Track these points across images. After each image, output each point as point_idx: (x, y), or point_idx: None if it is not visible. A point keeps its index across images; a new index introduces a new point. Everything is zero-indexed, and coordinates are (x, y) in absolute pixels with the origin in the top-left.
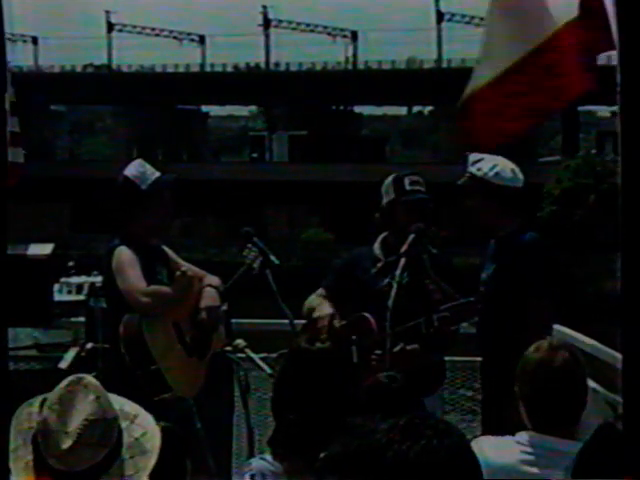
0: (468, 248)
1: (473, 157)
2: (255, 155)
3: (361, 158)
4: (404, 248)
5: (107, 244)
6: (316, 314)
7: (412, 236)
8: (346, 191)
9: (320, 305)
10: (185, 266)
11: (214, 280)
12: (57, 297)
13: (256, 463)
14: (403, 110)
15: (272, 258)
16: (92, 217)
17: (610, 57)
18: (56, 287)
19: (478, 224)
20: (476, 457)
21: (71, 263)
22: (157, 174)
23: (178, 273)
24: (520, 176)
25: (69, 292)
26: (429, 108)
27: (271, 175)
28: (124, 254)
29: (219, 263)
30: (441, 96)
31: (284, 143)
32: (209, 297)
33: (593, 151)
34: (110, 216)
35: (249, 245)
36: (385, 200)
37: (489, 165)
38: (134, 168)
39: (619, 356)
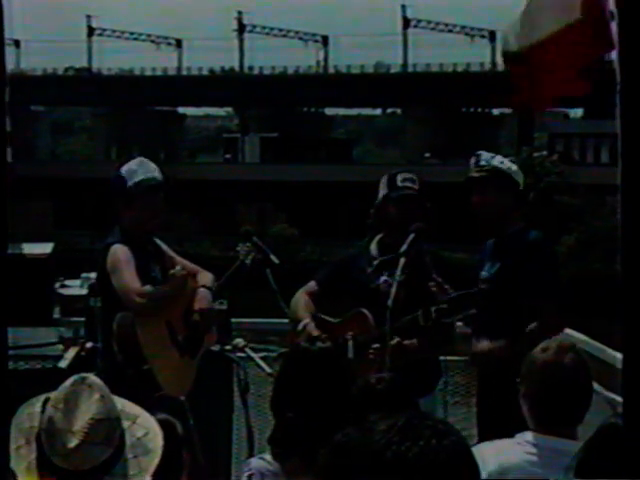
0: (469, 245)
1: (486, 153)
2: (229, 156)
3: (329, 159)
4: (404, 247)
5: (103, 240)
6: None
7: (412, 235)
8: (311, 190)
9: (300, 311)
10: (179, 261)
11: (207, 277)
12: (78, 292)
13: (255, 463)
14: (378, 110)
15: (272, 257)
16: (73, 214)
17: None
18: (77, 282)
19: (486, 219)
20: (475, 457)
21: None
22: (148, 174)
23: (172, 272)
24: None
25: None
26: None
27: (243, 175)
28: (119, 252)
29: (194, 255)
30: (407, 99)
31: (256, 145)
32: (202, 299)
33: (539, 154)
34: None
35: (247, 243)
36: (379, 197)
37: (508, 160)
38: (129, 164)
39: (619, 355)
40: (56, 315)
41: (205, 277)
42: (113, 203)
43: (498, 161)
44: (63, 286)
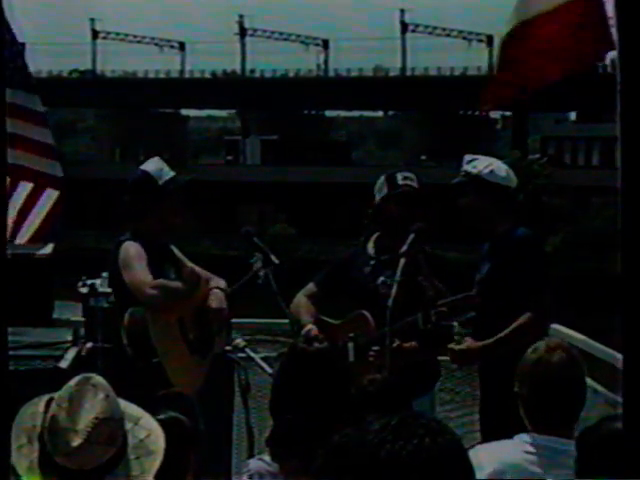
0: (461, 245)
1: (468, 157)
2: (230, 158)
3: (328, 161)
4: (404, 248)
5: (116, 238)
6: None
7: (412, 236)
8: (309, 191)
9: (303, 315)
10: (190, 267)
11: (220, 282)
12: (100, 290)
13: (254, 464)
14: (379, 112)
15: (272, 258)
16: (77, 214)
17: None
18: (99, 281)
19: (473, 222)
20: (468, 456)
21: None
22: (172, 173)
23: (188, 269)
24: (513, 178)
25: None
26: None
27: (244, 176)
28: (132, 248)
29: (194, 254)
30: (406, 102)
31: (256, 147)
32: (217, 299)
33: (532, 156)
34: (124, 210)
35: (257, 255)
36: (378, 197)
37: (484, 164)
38: (153, 164)
39: (618, 355)
40: (76, 314)
41: (218, 282)
42: (136, 203)
43: (471, 166)
44: (85, 285)
